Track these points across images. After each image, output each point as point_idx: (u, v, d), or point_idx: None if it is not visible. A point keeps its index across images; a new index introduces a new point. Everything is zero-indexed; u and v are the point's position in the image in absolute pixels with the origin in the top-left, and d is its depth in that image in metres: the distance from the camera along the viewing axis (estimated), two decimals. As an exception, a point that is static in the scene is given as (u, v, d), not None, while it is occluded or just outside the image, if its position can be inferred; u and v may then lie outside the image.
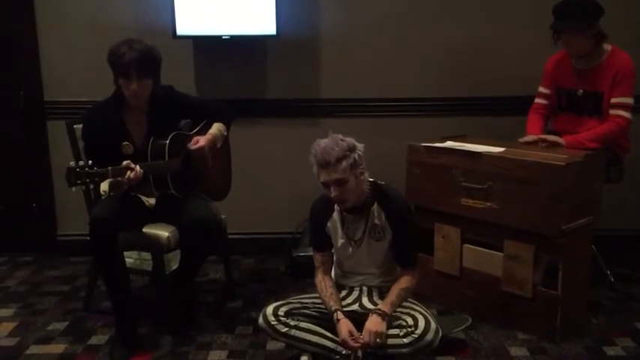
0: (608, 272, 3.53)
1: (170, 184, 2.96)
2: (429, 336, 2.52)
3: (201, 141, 3.02)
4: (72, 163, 2.65)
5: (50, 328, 3.19)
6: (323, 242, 2.78)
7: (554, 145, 3.22)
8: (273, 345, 2.90)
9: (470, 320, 3.00)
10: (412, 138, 3.35)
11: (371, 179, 2.70)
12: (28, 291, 3.64)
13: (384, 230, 2.69)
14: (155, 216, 3.07)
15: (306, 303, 2.72)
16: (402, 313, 2.62)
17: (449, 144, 3.23)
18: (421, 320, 2.55)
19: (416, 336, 2.51)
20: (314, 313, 2.70)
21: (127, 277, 2.95)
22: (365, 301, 2.73)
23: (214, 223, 3.00)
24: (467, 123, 3.84)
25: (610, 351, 2.89)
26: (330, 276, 2.79)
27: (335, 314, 2.58)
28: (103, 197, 2.96)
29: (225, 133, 3.19)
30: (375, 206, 2.68)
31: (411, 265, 2.73)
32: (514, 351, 2.90)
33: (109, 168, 2.71)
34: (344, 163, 2.48)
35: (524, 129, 3.48)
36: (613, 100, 3.24)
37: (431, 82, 3.91)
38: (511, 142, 3.28)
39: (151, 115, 3.00)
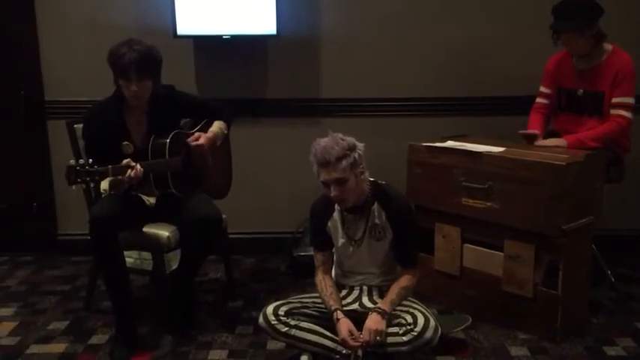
0: (609, 272, 3.53)
1: (170, 183, 2.96)
2: (428, 334, 2.52)
3: (202, 138, 3.02)
4: (72, 162, 2.65)
5: (51, 327, 3.19)
6: (323, 242, 2.78)
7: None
8: (273, 345, 2.90)
9: (470, 320, 3.00)
10: (412, 138, 3.35)
11: (371, 179, 2.70)
12: (29, 290, 3.64)
13: (384, 230, 2.69)
14: (155, 215, 3.07)
15: (307, 302, 2.72)
16: (401, 311, 2.62)
17: (449, 144, 3.23)
18: (420, 318, 2.55)
19: (415, 334, 2.51)
20: (314, 312, 2.70)
21: (127, 277, 2.95)
22: (365, 300, 2.73)
23: (215, 217, 3.00)
24: (467, 123, 3.84)
25: (610, 351, 2.89)
26: (331, 275, 2.79)
27: (335, 314, 2.58)
28: (103, 196, 2.96)
29: (226, 132, 3.19)
30: (376, 206, 2.68)
31: (412, 265, 2.73)
32: (514, 351, 2.90)
33: (109, 166, 2.70)
34: (344, 163, 2.48)
35: (525, 129, 3.47)
36: (614, 100, 3.24)
37: (431, 82, 3.91)
38: (512, 141, 3.28)
39: (152, 114, 3.00)
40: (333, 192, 2.53)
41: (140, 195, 3.07)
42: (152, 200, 3.08)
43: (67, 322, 3.23)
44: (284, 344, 2.77)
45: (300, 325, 2.64)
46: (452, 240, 3.22)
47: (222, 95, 3.70)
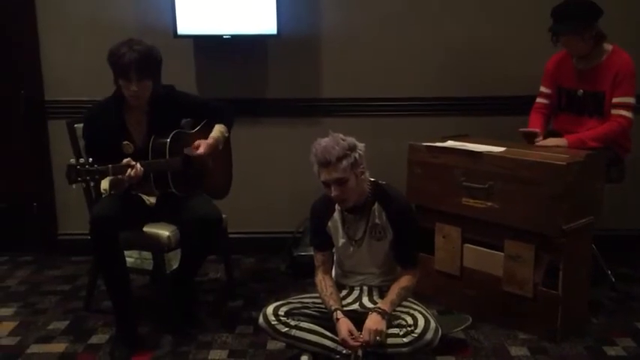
0: (609, 272, 3.53)
1: (171, 183, 2.96)
2: (429, 335, 2.51)
3: (202, 147, 3.01)
4: (72, 161, 2.65)
5: (51, 327, 3.19)
6: (323, 242, 2.78)
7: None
8: (273, 344, 2.90)
9: (470, 320, 3.00)
10: (413, 137, 3.35)
11: (372, 179, 2.70)
12: (29, 290, 3.64)
13: (384, 230, 2.69)
14: (156, 215, 3.07)
15: (307, 303, 2.72)
16: (401, 312, 2.62)
17: (450, 143, 3.23)
18: (421, 319, 2.55)
19: (415, 335, 2.51)
20: (314, 312, 2.70)
21: (127, 277, 2.95)
22: (365, 300, 2.73)
23: (215, 218, 2.99)
24: (467, 123, 3.84)
25: (610, 351, 2.89)
26: (331, 275, 2.79)
27: (335, 313, 2.58)
28: (103, 196, 2.96)
29: (227, 135, 3.19)
30: (376, 206, 2.68)
31: (412, 265, 2.73)
32: (514, 351, 2.90)
33: (110, 165, 2.70)
34: (344, 163, 2.48)
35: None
36: (615, 100, 3.24)
37: (431, 81, 3.91)
38: (512, 141, 3.28)
39: (152, 114, 3.00)
40: (334, 192, 2.53)
41: (140, 195, 3.07)
42: (152, 200, 3.08)
43: (67, 322, 3.23)
44: (284, 344, 2.77)
45: (300, 325, 2.63)
46: (452, 240, 3.22)
47: (222, 95, 3.70)
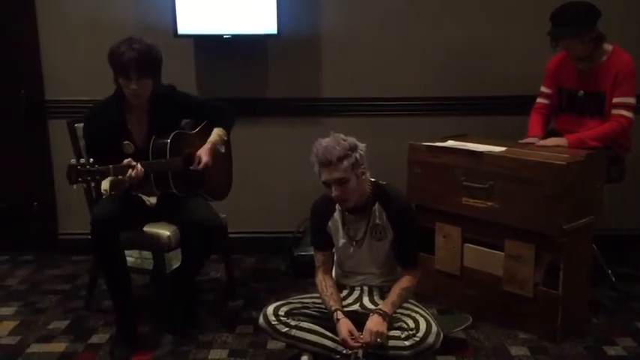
0: (609, 272, 3.53)
1: (171, 183, 2.96)
2: (431, 339, 2.51)
3: (204, 157, 3.01)
4: (73, 161, 2.66)
5: (51, 326, 3.19)
6: (324, 241, 2.78)
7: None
8: (273, 344, 2.90)
9: (470, 320, 3.00)
10: (413, 137, 3.35)
11: (372, 179, 2.70)
12: (29, 290, 3.65)
13: (385, 230, 2.69)
14: (156, 215, 3.07)
15: (307, 303, 2.72)
16: (402, 314, 2.61)
17: (450, 143, 3.23)
18: (422, 323, 2.54)
19: (417, 339, 2.50)
20: (314, 312, 2.70)
21: (127, 276, 2.95)
22: (366, 300, 2.73)
23: (216, 224, 2.99)
24: (467, 122, 3.84)
25: (611, 351, 2.90)
26: (331, 275, 2.79)
27: (335, 314, 2.58)
28: (104, 196, 2.96)
29: (226, 138, 3.19)
30: (377, 206, 2.68)
31: (412, 265, 2.73)
32: (515, 350, 2.90)
33: (110, 166, 2.71)
34: (345, 163, 2.48)
35: (525, 128, 3.48)
36: (615, 100, 3.24)
37: (431, 81, 3.92)
38: (512, 141, 3.28)
39: (152, 114, 3.00)
40: (335, 192, 2.53)
41: (140, 195, 3.07)
42: (152, 200, 3.08)
43: (67, 322, 3.23)
44: (284, 344, 2.77)
45: (301, 325, 2.64)
46: (452, 240, 3.23)
47: (222, 95, 3.70)
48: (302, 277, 3.65)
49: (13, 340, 3.05)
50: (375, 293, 2.76)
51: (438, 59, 3.90)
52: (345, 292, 2.78)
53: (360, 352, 2.54)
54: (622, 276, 3.63)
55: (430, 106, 3.93)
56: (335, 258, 2.83)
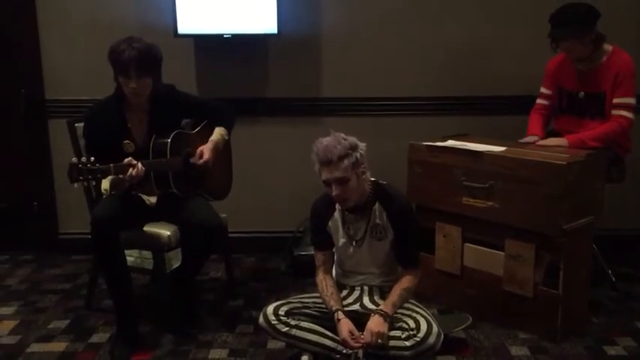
0: (610, 272, 3.53)
1: (172, 183, 2.96)
2: (431, 339, 2.51)
3: (206, 154, 3.01)
4: (74, 160, 2.66)
5: (51, 326, 3.19)
6: (324, 241, 2.78)
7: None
8: (273, 344, 2.90)
9: (470, 319, 3.00)
10: (413, 137, 3.35)
11: (372, 179, 2.70)
12: (29, 289, 3.65)
13: (385, 230, 2.69)
14: (156, 215, 3.07)
15: (307, 302, 2.72)
16: (403, 315, 2.61)
17: (450, 143, 3.23)
18: (423, 324, 2.54)
19: (418, 339, 2.50)
20: (315, 312, 2.70)
21: (128, 276, 2.95)
22: (366, 300, 2.73)
23: (216, 224, 2.99)
24: (467, 122, 3.84)
25: (611, 350, 2.90)
26: (331, 275, 2.79)
27: (336, 314, 2.58)
28: (104, 196, 2.96)
29: (227, 138, 3.19)
30: (377, 206, 2.68)
31: (413, 265, 2.73)
32: (515, 350, 2.90)
33: (111, 165, 2.71)
34: (346, 162, 2.48)
35: (525, 128, 3.48)
36: (615, 101, 3.25)
37: (431, 81, 3.92)
38: (512, 141, 3.28)
39: (153, 113, 3.00)
40: (335, 191, 2.53)
41: (141, 195, 3.07)
42: (153, 200, 3.08)
43: (67, 321, 3.23)
44: (284, 344, 2.77)
45: (301, 324, 2.63)
46: (452, 239, 3.23)
47: (222, 94, 3.70)
48: (302, 276, 3.65)
49: (13, 340, 3.05)
50: (375, 293, 2.76)
51: (438, 59, 3.90)
52: (345, 292, 2.77)
53: (361, 352, 2.54)
54: (622, 276, 3.63)
55: (430, 105, 3.93)
56: (335, 258, 2.82)
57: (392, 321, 2.57)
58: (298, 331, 2.62)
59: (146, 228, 3.04)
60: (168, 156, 2.94)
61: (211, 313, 3.29)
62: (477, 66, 3.88)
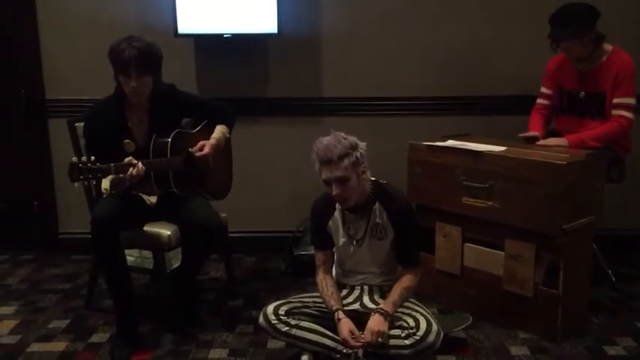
0: (610, 272, 3.53)
1: (172, 182, 2.96)
2: (431, 338, 2.51)
3: (206, 147, 3.01)
4: (74, 159, 2.66)
5: (51, 326, 3.19)
6: (324, 241, 2.78)
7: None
8: (273, 344, 2.90)
9: (470, 319, 3.00)
10: (413, 137, 3.36)
11: (372, 178, 2.70)
12: (29, 289, 3.64)
13: (385, 229, 2.69)
14: (156, 214, 3.08)
15: (307, 302, 2.72)
16: (403, 313, 2.61)
17: (450, 143, 3.23)
18: (423, 322, 2.54)
19: (417, 338, 2.50)
20: (315, 312, 2.70)
21: (128, 276, 2.95)
22: (366, 300, 2.73)
23: (216, 224, 3.00)
24: (467, 122, 3.85)
25: (611, 350, 2.90)
26: (331, 275, 2.79)
27: (336, 314, 2.58)
28: (104, 195, 2.96)
29: (228, 136, 3.19)
30: (377, 205, 2.68)
31: (413, 265, 2.73)
32: (515, 350, 2.90)
33: (112, 164, 2.71)
34: (346, 161, 2.48)
35: (525, 128, 3.47)
36: (615, 101, 3.25)
37: (431, 81, 3.92)
38: (512, 141, 3.28)
39: (153, 113, 3.00)
40: (335, 191, 2.53)
41: (141, 194, 3.07)
42: (153, 200, 3.09)
43: (67, 321, 3.23)
44: (284, 343, 2.77)
45: (301, 324, 2.63)
46: (453, 239, 3.23)
47: (222, 94, 3.70)
48: (302, 276, 3.65)
49: (13, 340, 3.05)
50: (375, 292, 2.76)
51: (438, 59, 3.90)
52: (345, 292, 2.77)
53: (361, 352, 2.54)
54: (622, 276, 3.63)
55: (430, 105, 3.93)
56: (335, 257, 2.82)
57: (392, 320, 2.57)
58: (298, 330, 2.62)
59: (146, 228, 3.04)
60: (169, 155, 2.94)
61: (211, 313, 3.29)
62: (477, 66, 3.88)
